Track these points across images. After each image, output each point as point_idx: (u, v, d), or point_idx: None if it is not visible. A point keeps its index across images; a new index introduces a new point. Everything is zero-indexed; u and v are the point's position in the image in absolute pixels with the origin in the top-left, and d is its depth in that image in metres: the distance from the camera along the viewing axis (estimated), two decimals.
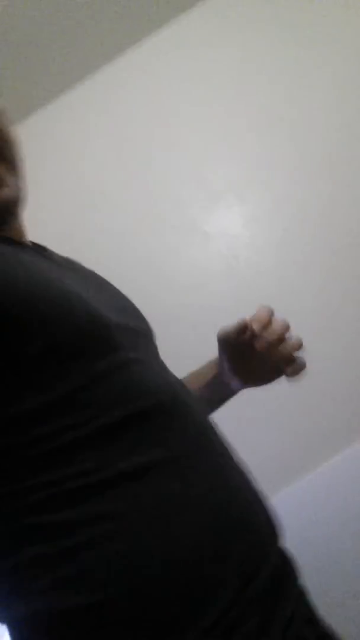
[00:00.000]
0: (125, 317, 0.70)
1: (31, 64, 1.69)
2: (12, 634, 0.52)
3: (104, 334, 0.59)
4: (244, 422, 1.46)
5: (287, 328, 0.78)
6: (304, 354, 0.80)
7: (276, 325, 0.77)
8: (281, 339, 0.77)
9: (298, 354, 0.78)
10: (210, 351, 1.51)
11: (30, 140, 1.80)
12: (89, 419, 0.53)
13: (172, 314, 1.56)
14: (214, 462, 0.59)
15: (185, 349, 1.55)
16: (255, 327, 0.75)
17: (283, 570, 0.57)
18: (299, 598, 0.57)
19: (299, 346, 0.78)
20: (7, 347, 0.53)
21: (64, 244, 1.62)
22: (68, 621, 0.49)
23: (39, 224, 1.64)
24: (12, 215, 0.71)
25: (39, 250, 0.74)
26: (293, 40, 1.70)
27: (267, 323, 0.77)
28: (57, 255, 0.81)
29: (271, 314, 0.79)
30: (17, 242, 0.70)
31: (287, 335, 0.78)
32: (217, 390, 0.87)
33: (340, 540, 1.32)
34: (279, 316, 0.79)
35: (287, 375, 0.77)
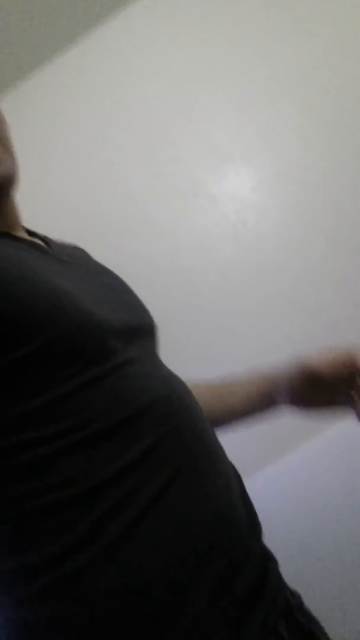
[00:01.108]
0: (124, 315, 0.68)
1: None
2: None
3: (95, 337, 0.57)
4: None
5: None
6: None
7: None
8: None
9: None
10: (213, 317, 1.50)
11: (27, 103, 1.76)
12: (73, 428, 0.52)
13: (176, 279, 1.54)
14: (202, 467, 0.58)
15: (190, 315, 1.54)
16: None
17: (263, 569, 0.57)
18: (275, 593, 0.57)
19: None
20: None
21: (68, 211, 1.61)
22: (49, 630, 0.49)
23: (41, 194, 1.63)
24: (5, 195, 0.69)
25: (35, 243, 0.71)
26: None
27: None
28: (58, 246, 0.78)
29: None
30: (8, 235, 0.67)
31: None
32: (260, 404, 0.83)
33: (318, 521, 1.32)
34: None
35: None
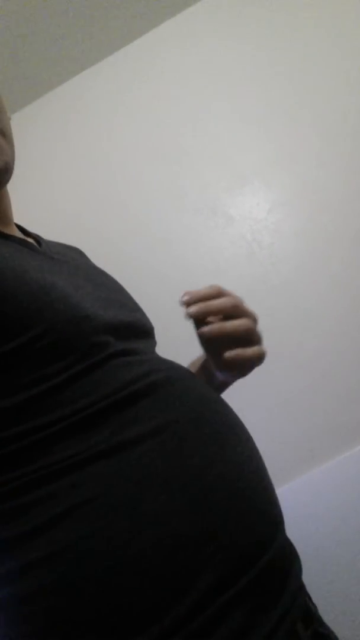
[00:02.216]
0: (116, 311, 0.68)
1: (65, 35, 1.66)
2: None
3: (85, 330, 0.57)
4: (252, 413, 1.46)
5: (229, 304, 0.68)
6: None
7: (218, 304, 0.67)
8: (226, 317, 0.67)
9: (245, 331, 0.67)
10: None
11: (51, 114, 1.80)
12: (64, 417, 0.52)
13: None
14: (213, 437, 0.56)
15: None
16: (197, 308, 0.66)
17: (281, 563, 0.54)
18: (296, 594, 0.54)
19: (244, 324, 0.67)
20: None
21: (83, 224, 1.63)
22: (33, 604, 0.48)
23: (57, 203, 1.65)
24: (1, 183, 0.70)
25: (24, 240, 0.71)
26: (324, 19, 1.65)
27: (209, 302, 0.68)
28: (50, 244, 0.78)
29: (213, 292, 0.69)
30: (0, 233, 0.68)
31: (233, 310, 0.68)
32: (209, 379, 0.80)
33: (340, 536, 1.31)
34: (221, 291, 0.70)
35: (225, 360, 0.66)
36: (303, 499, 1.34)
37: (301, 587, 0.56)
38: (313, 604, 0.61)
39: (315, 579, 1.29)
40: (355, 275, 1.48)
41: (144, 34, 1.78)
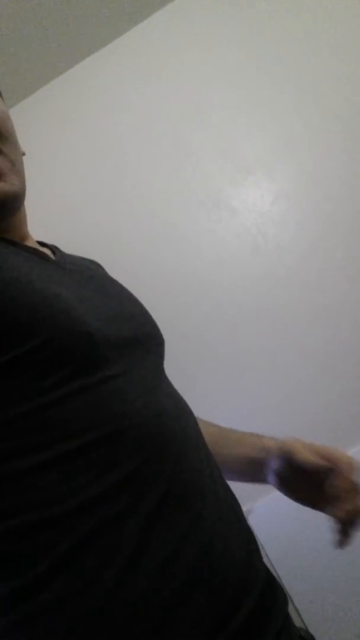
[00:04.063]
0: (124, 325, 0.66)
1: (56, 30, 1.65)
2: None
3: (85, 345, 0.55)
4: (253, 412, 1.45)
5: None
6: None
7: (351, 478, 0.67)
8: (351, 493, 0.67)
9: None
10: (231, 328, 1.49)
11: (48, 108, 1.78)
12: (50, 441, 0.51)
13: (195, 289, 1.54)
14: (190, 496, 0.54)
15: (208, 327, 1.54)
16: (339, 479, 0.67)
17: (262, 604, 0.54)
18: (280, 633, 0.53)
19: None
20: None
21: (83, 218, 1.62)
22: None
23: (59, 207, 1.64)
24: (10, 211, 0.70)
25: (36, 250, 0.70)
26: (326, 5, 1.63)
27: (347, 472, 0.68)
28: (65, 256, 0.77)
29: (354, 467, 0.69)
30: (7, 240, 0.67)
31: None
32: (250, 471, 0.78)
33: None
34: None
35: (337, 539, 0.67)
36: None
37: (284, 623, 0.56)
38: (301, 634, 0.60)
39: (314, 580, 1.28)
40: None
41: (142, 22, 1.75)
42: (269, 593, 0.56)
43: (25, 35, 1.60)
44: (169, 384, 0.68)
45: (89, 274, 0.75)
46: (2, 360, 0.51)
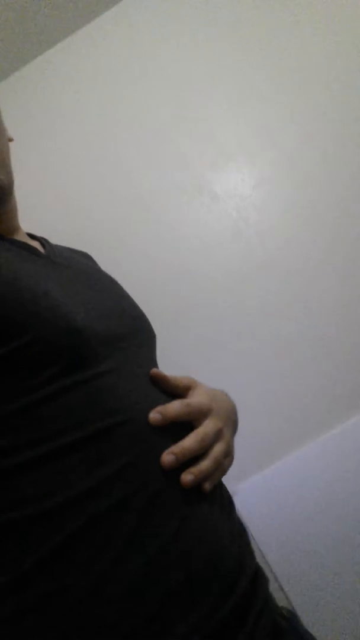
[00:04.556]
0: (114, 320, 0.65)
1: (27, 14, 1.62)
2: None
3: (74, 342, 0.55)
4: (243, 393, 1.46)
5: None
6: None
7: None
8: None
9: None
10: (213, 313, 1.50)
11: (20, 95, 1.75)
12: (41, 438, 0.50)
13: (176, 274, 1.54)
14: (183, 494, 0.54)
15: (189, 311, 1.54)
16: None
17: (249, 588, 0.54)
18: (261, 614, 0.54)
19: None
20: None
21: (68, 207, 1.61)
22: None
23: (42, 191, 1.62)
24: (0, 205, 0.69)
25: (26, 245, 0.70)
26: None
27: None
28: (56, 248, 0.77)
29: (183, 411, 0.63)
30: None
31: None
32: None
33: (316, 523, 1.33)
34: None
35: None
36: (295, 474, 1.35)
37: (265, 604, 0.56)
38: (282, 613, 0.61)
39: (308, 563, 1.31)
40: (342, 250, 1.48)
41: (123, 7, 1.73)
42: (257, 583, 0.57)
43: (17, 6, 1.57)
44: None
45: (78, 268, 0.74)
46: None
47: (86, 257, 0.89)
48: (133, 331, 0.68)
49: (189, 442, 0.56)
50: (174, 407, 0.57)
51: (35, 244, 0.75)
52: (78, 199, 1.65)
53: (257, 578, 0.58)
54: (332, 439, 1.37)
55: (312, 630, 0.65)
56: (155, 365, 0.71)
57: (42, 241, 0.78)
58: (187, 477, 0.54)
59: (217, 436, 0.61)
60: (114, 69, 1.71)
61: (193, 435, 0.57)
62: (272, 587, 0.61)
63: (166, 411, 0.56)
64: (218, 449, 0.60)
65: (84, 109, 1.71)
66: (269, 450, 1.39)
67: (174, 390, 0.63)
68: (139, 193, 1.62)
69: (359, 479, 1.32)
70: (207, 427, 0.59)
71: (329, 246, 1.49)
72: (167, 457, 0.53)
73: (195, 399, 0.62)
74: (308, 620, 1.20)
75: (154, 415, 0.55)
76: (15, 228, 0.75)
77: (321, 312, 1.46)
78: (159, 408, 0.56)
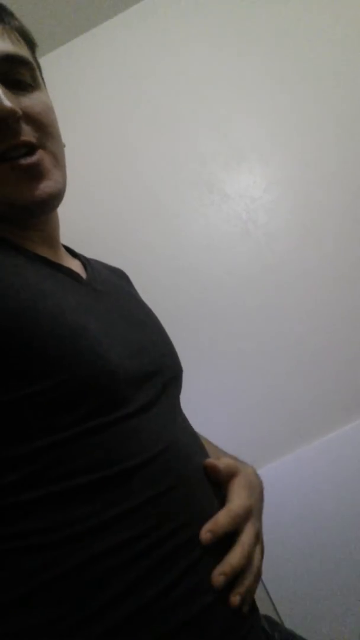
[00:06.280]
0: (146, 357, 0.64)
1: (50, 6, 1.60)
2: None
3: (106, 386, 0.54)
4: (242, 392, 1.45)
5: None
6: None
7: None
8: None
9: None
10: (219, 313, 1.49)
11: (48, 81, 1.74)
12: (59, 476, 0.49)
13: (183, 273, 1.53)
14: (196, 540, 0.54)
15: (195, 310, 1.53)
16: None
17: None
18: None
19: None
20: None
21: (81, 200, 1.60)
22: None
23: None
24: (51, 209, 0.68)
25: (70, 271, 0.67)
26: None
27: None
28: (95, 270, 0.75)
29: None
30: (44, 260, 0.64)
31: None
32: None
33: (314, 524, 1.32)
34: None
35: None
36: (293, 474, 1.35)
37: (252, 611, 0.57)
38: (273, 620, 0.62)
39: (303, 562, 1.30)
40: (349, 255, 1.47)
41: (145, 4, 1.72)
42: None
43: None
44: (184, 419, 0.67)
45: (116, 294, 0.73)
46: (23, 393, 0.49)
47: (124, 277, 0.87)
48: (162, 369, 0.66)
49: (236, 559, 0.56)
50: (222, 523, 0.57)
51: (76, 264, 0.73)
52: (88, 190, 1.64)
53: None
54: (332, 440, 1.37)
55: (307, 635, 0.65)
56: (178, 404, 0.70)
57: (82, 260, 0.76)
58: (235, 598, 0.54)
59: (256, 540, 0.61)
60: (133, 63, 1.70)
61: (239, 550, 0.57)
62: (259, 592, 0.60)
63: (217, 529, 0.56)
64: (258, 558, 0.60)
65: (98, 105, 1.70)
66: (269, 450, 1.39)
67: (220, 479, 0.63)
68: (151, 188, 1.61)
69: (358, 480, 1.32)
70: (249, 536, 0.60)
71: (336, 250, 1.48)
72: (219, 578, 0.53)
73: (236, 502, 0.61)
74: (304, 623, 1.20)
75: (206, 535, 0.55)
76: (58, 244, 0.73)
77: (325, 315, 1.45)
78: (209, 526, 0.55)
